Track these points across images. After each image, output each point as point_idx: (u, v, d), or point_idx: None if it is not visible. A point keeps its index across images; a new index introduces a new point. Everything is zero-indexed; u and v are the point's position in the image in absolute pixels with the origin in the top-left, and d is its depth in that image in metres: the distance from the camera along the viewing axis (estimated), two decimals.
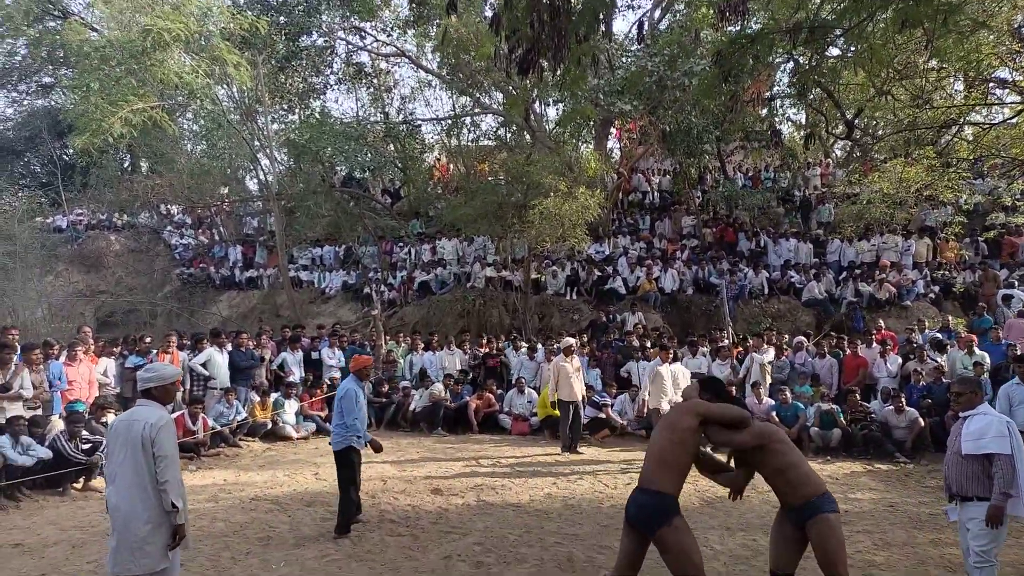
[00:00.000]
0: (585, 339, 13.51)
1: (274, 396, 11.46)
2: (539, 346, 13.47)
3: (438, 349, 13.70)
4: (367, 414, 6.97)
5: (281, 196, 19.91)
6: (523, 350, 13.39)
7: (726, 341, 12.75)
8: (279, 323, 16.19)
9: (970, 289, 15.04)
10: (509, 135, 20.73)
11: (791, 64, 15.42)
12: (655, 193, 21.78)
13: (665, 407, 9.40)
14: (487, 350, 13.73)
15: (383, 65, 24.09)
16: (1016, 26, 12.81)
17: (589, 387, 11.46)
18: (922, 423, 9.90)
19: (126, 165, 27.36)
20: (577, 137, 18.51)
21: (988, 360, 10.63)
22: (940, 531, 6.53)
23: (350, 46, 23.19)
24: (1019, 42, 12.54)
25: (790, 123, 24.64)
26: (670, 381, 9.53)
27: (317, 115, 19.99)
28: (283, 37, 20.33)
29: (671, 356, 10.07)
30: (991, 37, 11.87)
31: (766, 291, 15.88)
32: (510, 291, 16.71)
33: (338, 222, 20.18)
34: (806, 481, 3.97)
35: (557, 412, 10.91)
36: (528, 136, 19.49)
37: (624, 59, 17.85)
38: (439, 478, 8.55)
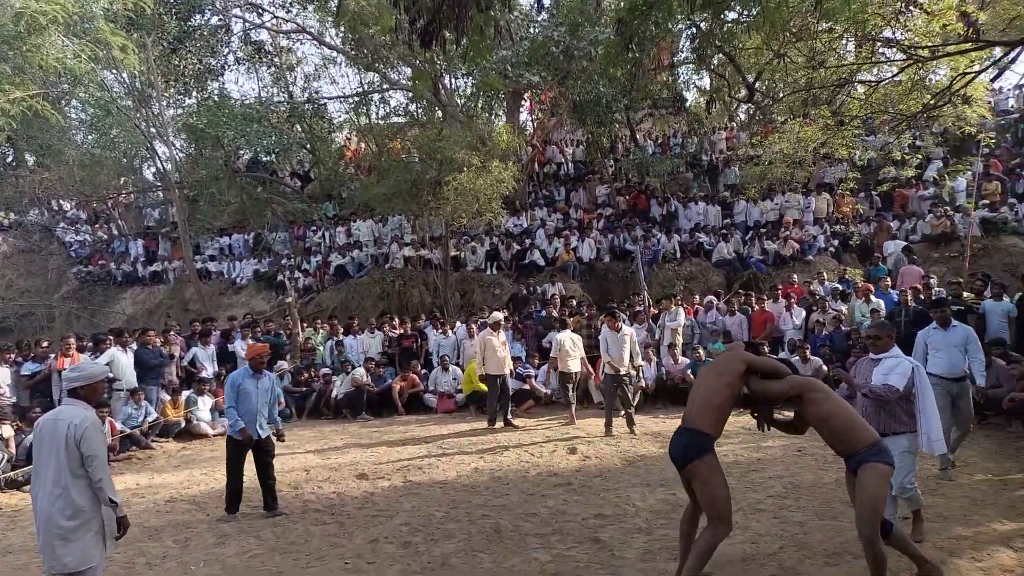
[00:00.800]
0: (507, 313, 13.56)
1: (186, 394, 11.00)
2: (458, 323, 13.45)
3: (358, 333, 13.47)
4: (264, 403, 6.65)
5: (182, 184, 18.99)
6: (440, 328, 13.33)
7: (642, 306, 13.04)
8: (188, 317, 15.53)
9: (866, 241, 15.89)
10: (419, 111, 20.39)
11: (693, 30, 15.74)
12: (569, 164, 21.96)
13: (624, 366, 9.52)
14: (401, 331, 13.55)
15: (284, 43, 23.19)
16: None
17: (516, 359, 11.59)
18: (825, 370, 10.43)
19: (9, 160, 25.42)
20: (489, 110, 18.41)
21: (883, 307, 11.29)
22: (844, 471, 6.91)
23: (247, 24, 22.22)
24: (902, 2, 13.13)
25: (695, 89, 25.25)
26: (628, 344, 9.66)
27: (215, 98, 19.10)
28: (173, 17, 19.28)
29: (619, 323, 9.94)
30: None
31: (679, 254, 16.34)
32: (430, 269, 16.58)
33: (245, 209, 19.44)
34: (850, 430, 4.07)
35: (483, 387, 10.94)
36: (439, 111, 19.22)
37: (532, 30, 17.78)
38: (364, 463, 8.43)
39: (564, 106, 17.37)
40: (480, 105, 17.98)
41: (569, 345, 10.28)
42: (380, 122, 21.19)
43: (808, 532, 5.36)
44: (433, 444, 9.32)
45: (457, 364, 12.48)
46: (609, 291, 15.95)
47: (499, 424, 10.17)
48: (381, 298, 16.30)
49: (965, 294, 10.94)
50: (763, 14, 10.72)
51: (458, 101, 19.90)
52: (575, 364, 10.29)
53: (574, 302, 14.28)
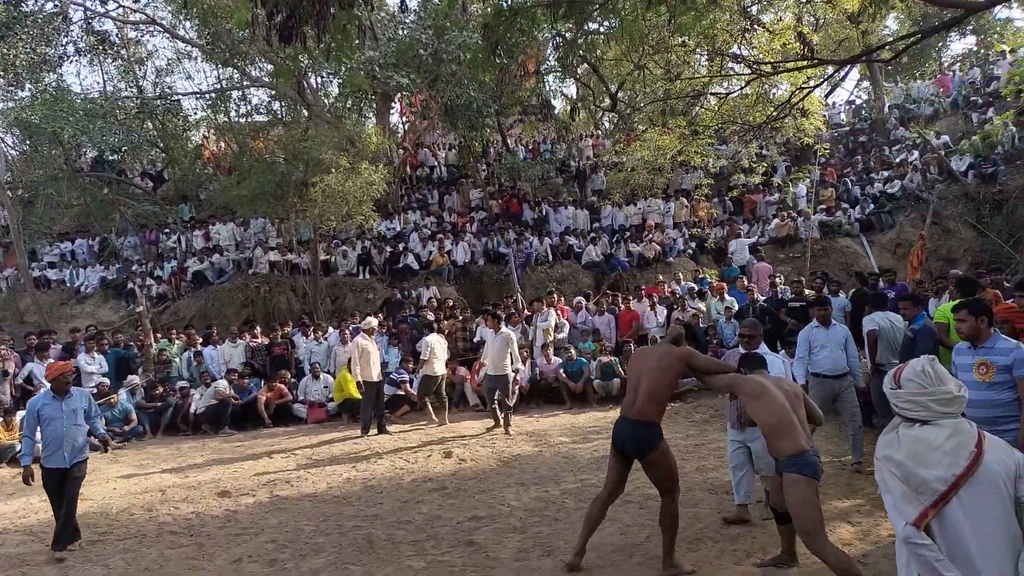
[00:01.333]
0: (381, 317, 13.34)
1: (21, 414, 9.92)
2: (331, 329, 13.06)
3: (219, 343, 12.74)
4: (74, 425, 6.01)
5: (15, 185, 17.19)
6: (311, 335, 12.90)
7: (516, 307, 13.24)
8: (24, 330, 14.05)
9: (720, 243, 16.99)
10: (283, 109, 19.62)
11: (558, 39, 16.16)
12: (442, 167, 21.93)
13: (507, 370, 9.63)
14: (267, 340, 12.95)
15: (132, 34, 21.59)
16: (745, 6, 14.45)
17: (403, 361, 11.62)
18: None
19: None
20: (358, 111, 17.97)
21: (736, 304, 12.11)
22: (703, 459, 7.34)
23: (89, 12, 20.44)
24: (747, 20, 14.17)
25: (563, 97, 26.01)
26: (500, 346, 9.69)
27: (52, 90, 17.42)
28: (0, 1, 17.44)
29: (499, 324, 9.97)
30: (725, 15, 13.28)
31: (550, 257, 16.72)
32: (298, 274, 15.97)
33: (89, 211, 17.87)
34: (777, 438, 4.04)
35: (356, 394, 10.69)
36: (304, 110, 18.57)
37: (400, 32, 17.60)
38: (226, 480, 7.96)
39: (435, 109, 17.30)
40: (348, 106, 17.51)
41: (438, 348, 10.31)
42: (240, 120, 20.20)
43: None
44: (303, 456, 8.97)
45: (329, 372, 12.10)
46: (484, 294, 16.04)
47: (374, 431, 9.96)
48: (245, 305, 15.49)
49: (806, 291, 11.93)
50: (622, 26, 11.23)
51: (325, 101, 19.33)
52: (440, 367, 10.38)
53: (450, 303, 14.27)
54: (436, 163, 21.88)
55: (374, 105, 18.61)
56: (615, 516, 5.78)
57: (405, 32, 16.70)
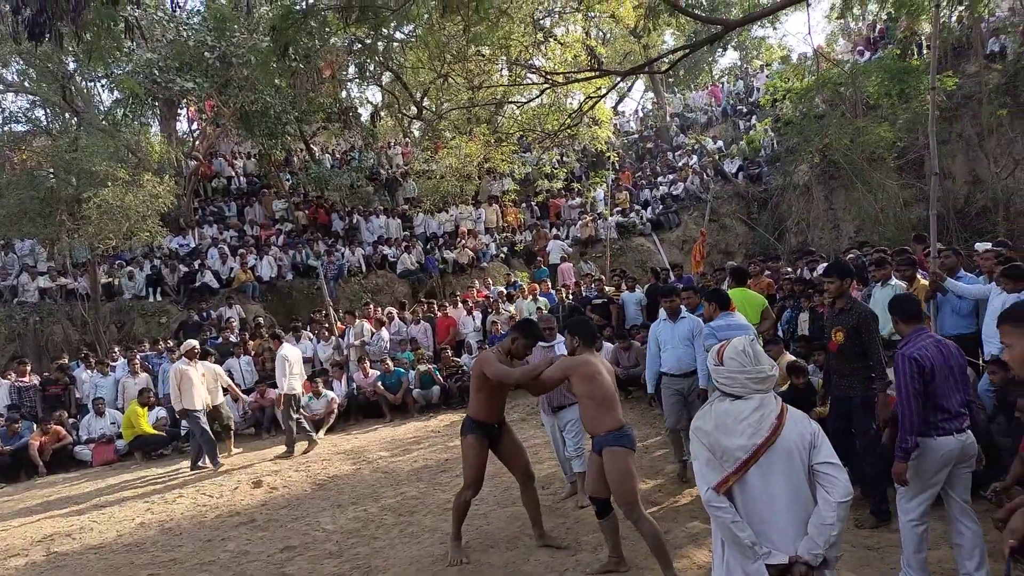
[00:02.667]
0: (171, 343, 12.21)
1: None
2: (120, 359, 11.78)
3: None
4: None
5: None
6: (94, 368, 11.53)
7: (328, 322, 12.77)
8: None
9: (530, 247, 17.61)
10: (48, 117, 17.39)
11: (357, 45, 15.86)
12: (240, 177, 20.64)
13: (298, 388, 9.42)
14: (39, 377, 11.38)
15: None
16: (536, 19, 15.11)
17: None
18: None
19: None
20: (135, 118, 16.24)
21: (547, 303, 12.57)
22: None
23: None
24: (540, 33, 14.84)
25: (370, 104, 25.56)
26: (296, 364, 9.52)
27: None
28: None
29: (279, 341, 9.95)
30: (520, 27, 13.78)
31: (364, 268, 16.33)
32: (75, 301, 14.19)
33: None
34: (603, 414, 4.22)
35: (149, 430, 9.78)
36: (73, 118, 16.57)
37: (184, 33, 16.27)
38: None
39: (228, 115, 16.15)
40: (127, 112, 15.78)
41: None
42: None
43: (491, 522, 5.67)
44: (87, 503, 7.94)
45: (118, 408, 10.87)
46: (294, 310, 15.30)
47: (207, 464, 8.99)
48: (10, 339, 13.48)
49: (607, 288, 12.68)
50: (420, 34, 11.28)
51: (100, 108, 17.40)
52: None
53: (260, 320, 13.45)
54: (233, 173, 20.56)
55: (157, 111, 17.01)
56: (436, 526, 5.72)
57: (189, 33, 15.40)
